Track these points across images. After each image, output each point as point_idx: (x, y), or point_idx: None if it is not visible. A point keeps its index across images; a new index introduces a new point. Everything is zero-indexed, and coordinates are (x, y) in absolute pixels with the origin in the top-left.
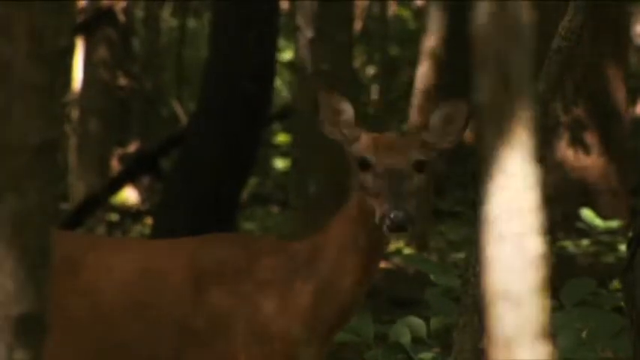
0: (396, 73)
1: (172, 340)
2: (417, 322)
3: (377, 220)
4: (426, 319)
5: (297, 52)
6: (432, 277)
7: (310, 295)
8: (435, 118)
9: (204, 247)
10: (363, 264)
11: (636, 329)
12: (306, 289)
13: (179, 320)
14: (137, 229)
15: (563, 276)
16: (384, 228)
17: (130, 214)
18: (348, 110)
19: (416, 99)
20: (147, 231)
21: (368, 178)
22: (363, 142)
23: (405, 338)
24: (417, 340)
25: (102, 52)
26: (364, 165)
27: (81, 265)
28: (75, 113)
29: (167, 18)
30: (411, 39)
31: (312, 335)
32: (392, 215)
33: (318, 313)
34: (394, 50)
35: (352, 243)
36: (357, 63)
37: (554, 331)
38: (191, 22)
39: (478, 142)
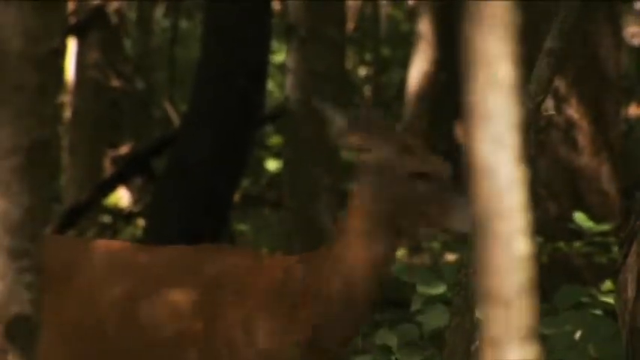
0: (388, 73)
1: (174, 350)
2: (408, 325)
3: (448, 224)
4: (418, 322)
5: (289, 52)
6: (418, 288)
7: (314, 313)
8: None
9: (210, 257)
10: (374, 281)
11: (628, 331)
12: (310, 305)
13: (181, 331)
14: (129, 230)
15: (556, 277)
16: (459, 228)
17: (122, 216)
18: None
19: (409, 99)
20: (139, 232)
21: (422, 188)
22: (413, 157)
23: (392, 341)
24: (409, 344)
25: (94, 53)
26: (419, 177)
27: (79, 270)
28: (67, 114)
29: (159, 19)
30: (404, 39)
31: (316, 351)
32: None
33: (321, 332)
34: (386, 51)
35: (368, 259)
36: (349, 64)
37: (547, 334)
38: (183, 23)
39: (467, 142)
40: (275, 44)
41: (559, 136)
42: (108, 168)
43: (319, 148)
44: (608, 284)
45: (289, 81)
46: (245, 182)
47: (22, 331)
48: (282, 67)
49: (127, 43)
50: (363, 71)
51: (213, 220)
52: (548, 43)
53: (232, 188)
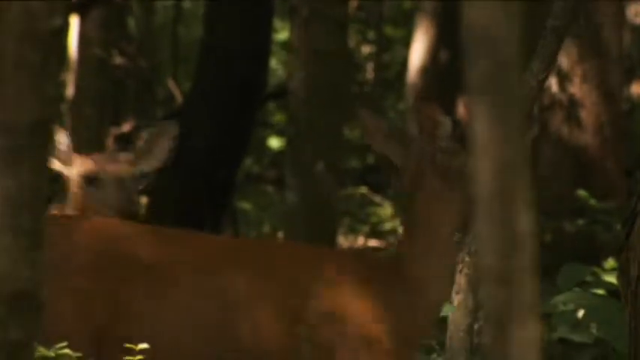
0: (391, 51)
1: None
2: None
3: None
4: None
5: (292, 31)
6: None
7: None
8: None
9: (331, 258)
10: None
11: (631, 309)
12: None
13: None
14: None
15: (558, 255)
16: None
17: None
18: (446, 124)
19: (411, 77)
20: (141, 210)
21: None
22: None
23: None
24: None
25: (97, 31)
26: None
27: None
28: (69, 92)
29: None
30: (407, 18)
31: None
32: None
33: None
34: (389, 29)
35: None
36: (352, 42)
37: (549, 313)
38: (186, 2)
39: (468, 120)
40: (278, 23)
41: (562, 115)
42: (111, 146)
43: (322, 126)
44: (611, 263)
45: (292, 59)
46: (247, 160)
47: (25, 307)
48: (285, 45)
49: (130, 22)
50: (366, 49)
51: (215, 201)
52: (552, 21)
53: (234, 170)
